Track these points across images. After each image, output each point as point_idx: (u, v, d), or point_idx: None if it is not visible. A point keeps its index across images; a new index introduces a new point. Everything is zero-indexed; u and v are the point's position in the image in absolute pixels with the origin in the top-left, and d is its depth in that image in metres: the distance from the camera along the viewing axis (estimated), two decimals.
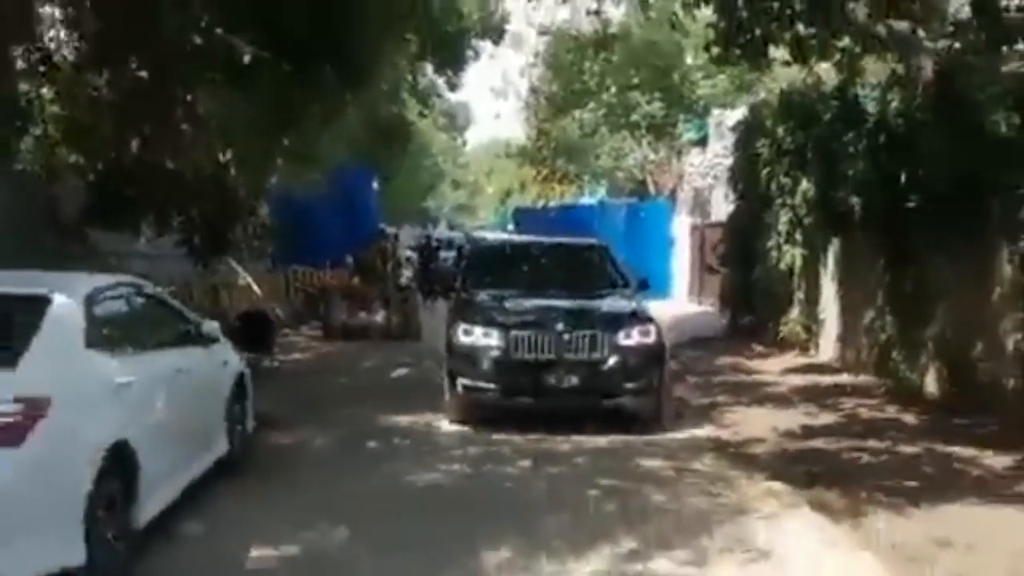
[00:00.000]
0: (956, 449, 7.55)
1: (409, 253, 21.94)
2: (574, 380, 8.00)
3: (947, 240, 8.98)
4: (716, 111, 22.34)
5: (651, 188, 25.40)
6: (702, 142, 24.00)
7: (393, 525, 5.44)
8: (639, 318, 8.55)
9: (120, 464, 4.29)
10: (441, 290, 14.37)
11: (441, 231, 44.06)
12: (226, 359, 6.41)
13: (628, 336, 8.20)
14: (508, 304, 8.85)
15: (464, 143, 62.08)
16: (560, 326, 8.14)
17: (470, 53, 20.63)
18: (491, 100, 70.21)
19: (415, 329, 14.94)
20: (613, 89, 24.73)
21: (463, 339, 8.25)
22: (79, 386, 4.18)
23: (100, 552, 4.06)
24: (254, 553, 4.99)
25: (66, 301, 4.40)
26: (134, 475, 4.45)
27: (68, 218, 10.48)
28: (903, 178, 9.46)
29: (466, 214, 68.63)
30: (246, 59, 7.37)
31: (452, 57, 19.24)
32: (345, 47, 10.63)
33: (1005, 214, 7.93)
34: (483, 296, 9.15)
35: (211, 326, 6.12)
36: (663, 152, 25.83)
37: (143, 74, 7.64)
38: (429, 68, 21.49)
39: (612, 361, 8.07)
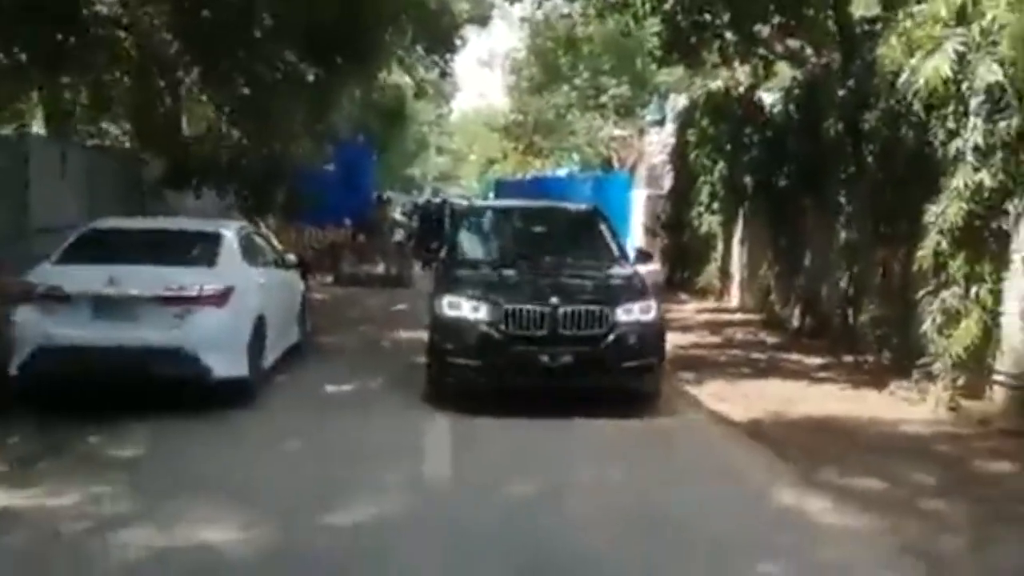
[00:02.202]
0: (791, 355, 11.03)
1: (400, 217, 25.08)
2: (569, 358, 7.32)
3: (803, 212, 12.42)
4: (672, 95, 25.59)
5: (615, 163, 28.68)
6: (661, 122, 27.27)
7: (399, 373, 8.79)
8: (639, 292, 7.98)
9: (260, 326, 7.66)
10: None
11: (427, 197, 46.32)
12: (297, 281, 9.76)
13: (628, 312, 7.58)
14: (497, 274, 8.31)
15: (450, 111, 64.50)
16: (555, 299, 7.46)
17: (459, 42, 23.67)
18: (477, 70, 72.04)
19: (407, 278, 18.21)
20: (585, 74, 27.90)
21: (448, 312, 7.56)
22: (243, 281, 7.54)
23: (252, 371, 7.43)
24: (324, 388, 8.39)
25: (229, 234, 7.76)
26: (264, 334, 7.82)
27: (151, 183, 13.72)
28: (779, 164, 12.90)
29: (450, 182, 71.11)
30: (309, 77, 10.64)
31: (443, 46, 22.28)
32: (359, 46, 13.81)
33: (833, 195, 11.31)
34: (470, 265, 8.63)
35: (290, 258, 9.46)
36: (628, 130, 29.04)
37: (246, 90, 10.90)
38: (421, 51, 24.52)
39: (611, 338, 7.42)
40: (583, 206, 11.41)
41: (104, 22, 11.45)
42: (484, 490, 5.51)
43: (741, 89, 15.25)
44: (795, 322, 12.89)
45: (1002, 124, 7.61)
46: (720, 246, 16.75)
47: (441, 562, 4.46)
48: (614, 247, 9.27)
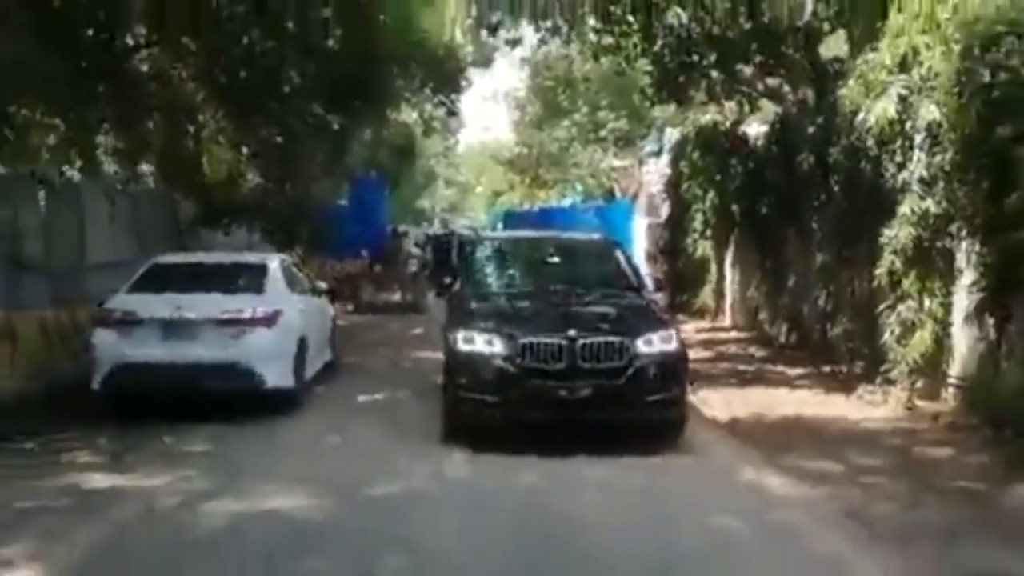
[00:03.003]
0: (775, 367, 12.14)
1: (415, 249, 26.36)
2: (588, 392, 7.10)
3: (784, 237, 13.59)
4: (668, 128, 26.92)
5: (617, 192, 29.95)
6: (659, 153, 28.58)
7: (420, 386, 9.90)
8: (659, 323, 7.82)
9: (302, 344, 8.85)
10: None
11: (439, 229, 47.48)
12: (328, 306, 10.97)
13: (648, 343, 7.34)
14: (512, 307, 8.14)
15: (456, 143, 66.02)
16: (572, 332, 7.22)
17: (464, 83, 25.02)
18: (482, 104, 73.65)
19: (422, 305, 19.39)
20: (584, 109, 29.27)
21: (463, 347, 7.36)
22: (287, 306, 8.74)
23: (296, 382, 8.61)
24: (356, 398, 9.55)
25: (274, 265, 8.99)
26: (305, 352, 9.00)
27: (186, 221, 15.00)
28: (760, 193, 14.09)
29: (458, 213, 72.46)
30: (335, 126, 11.96)
31: (449, 87, 23.63)
32: (374, 92, 15.14)
33: (808, 221, 12.47)
34: (484, 299, 8.44)
35: (321, 286, 10.68)
36: (628, 160, 30.36)
37: (279, 139, 12.23)
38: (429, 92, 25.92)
39: (631, 371, 7.17)
40: (597, 235, 11.25)
41: (143, 78, 12.72)
42: (500, 476, 6.63)
43: (728, 124, 16.53)
44: (781, 338, 14.00)
45: (937, 158, 8.78)
46: (714, 269, 17.92)
47: (458, 523, 5.58)
48: (631, 276, 9.07)
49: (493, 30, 14.84)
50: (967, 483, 6.60)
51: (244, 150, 14.17)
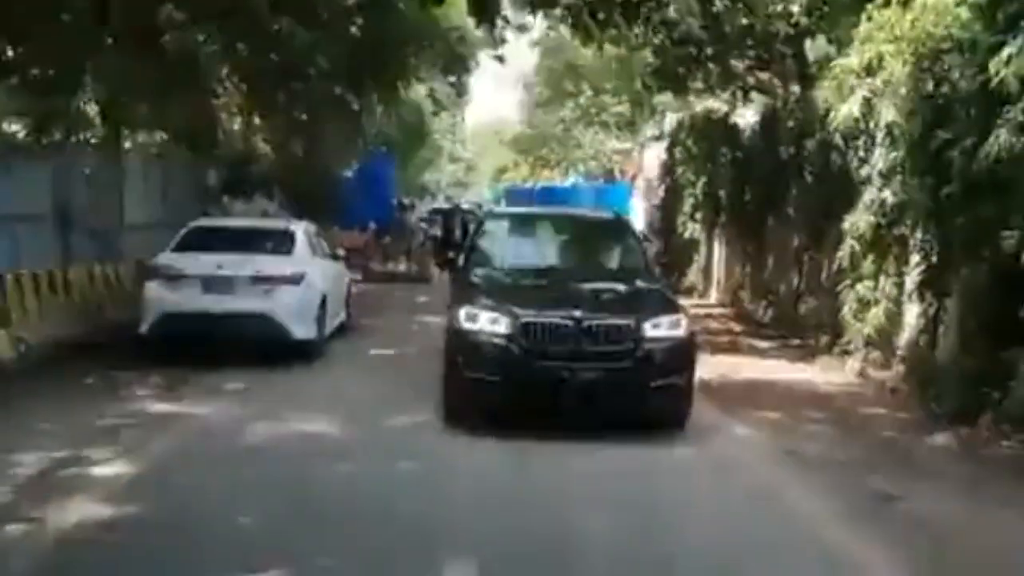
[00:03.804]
0: (751, 340, 13.28)
1: (422, 221, 27.42)
2: (592, 375, 6.93)
3: (765, 221, 14.70)
4: (668, 114, 27.92)
5: (617, 174, 31.02)
6: (659, 138, 29.61)
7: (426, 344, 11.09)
8: (668, 306, 7.63)
9: (323, 302, 10.00)
10: None
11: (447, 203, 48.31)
12: (344, 271, 12.12)
13: (656, 327, 7.16)
14: (517, 285, 8.00)
15: (463, 120, 66.76)
16: (577, 312, 7.07)
17: (473, 63, 26.01)
18: (490, 82, 74.24)
19: (428, 275, 20.54)
20: (589, 92, 30.25)
21: (466, 325, 7.16)
22: (311, 267, 9.89)
23: (318, 335, 9.79)
24: (369, 352, 10.73)
25: (300, 231, 10.12)
26: (326, 309, 10.15)
27: (211, 187, 16.14)
28: (746, 180, 15.20)
29: (463, 188, 73.38)
30: (354, 107, 13.05)
31: (460, 67, 24.64)
32: (388, 77, 16.22)
33: (785, 207, 13.59)
34: (490, 275, 8.22)
35: (339, 252, 11.81)
36: (629, 144, 31.38)
37: (304, 117, 13.32)
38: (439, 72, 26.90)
39: (638, 354, 7.00)
40: (608, 213, 10.89)
41: (178, 56, 13.76)
42: None
43: (721, 114, 17.58)
44: (760, 314, 15.15)
45: (893, 155, 9.87)
46: (703, 250, 19.04)
47: (461, 445, 6.78)
48: (641, 257, 8.91)
49: (503, 19, 15.77)
50: (888, 433, 7.80)
51: (267, 125, 15.23)
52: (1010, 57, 6.47)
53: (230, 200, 16.14)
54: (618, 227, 9.68)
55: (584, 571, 4.61)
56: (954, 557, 4.96)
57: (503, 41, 26.94)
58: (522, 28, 21.71)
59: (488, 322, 7.12)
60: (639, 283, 8.20)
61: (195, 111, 15.80)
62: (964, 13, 8.31)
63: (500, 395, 7.02)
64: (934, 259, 9.22)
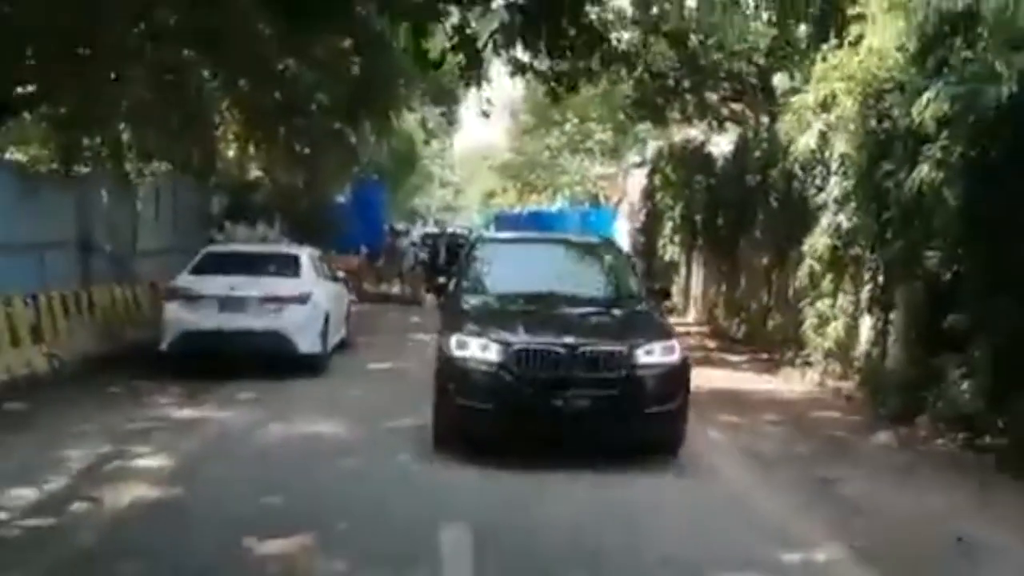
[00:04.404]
0: (723, 355, 14.25)
1: (411, 248, 28.30)
2: (585, 403, 6.87)
3: (737, 244, 15.71)
4: (650, 142, 29.07)
5: (602, 199, 32.11)
6: (641, 164, 30.76)
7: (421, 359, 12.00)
8: (661, 332, 7.53)
9: (327, 320, 10.90)
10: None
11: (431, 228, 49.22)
12: (344, 291, 13.03)
13: (649, 353, 7.09)
14: (508, 311, 7.82)
15: (452, 145, 67.86)
16: (569, 339, 7.02)
17: (461, 95, 27.08)
18: (478, 110, 74.98)
19: (420, 297, 21.43)
20: (574, 120, 31.40)
21: (456, 352, 7.07)
22: (316, 288, 10.81)
23: (322, 350, 10.68)
24: (368, 366, 11.62)
25: (305, 254, 11.05)
26: (328, 326, 11.04)
27: (214, 214, 17.05)
28: (718, 205, 16.22)
29: (452, 213, 74.35)
30: (352, 140, 14.03)
31: (449, 100, 25.72)
32: (380, 107, 17.16)
33: (754, 231, 14.60)
34: (479, 302, 8.10)
35: (340, 274, 12.73)
36: (613, 169, 32.51)
37: (306, 150, 14.31)
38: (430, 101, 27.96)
39: (631, 382, 6.95)
40: (599, 239, 11.02)
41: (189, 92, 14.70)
42: None
43: (697, 143, 18.67)
44: (733, 331, 16.12)
45: (846, 183, 10.88)
46: (682, 271, 20.04)
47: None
48: (632, 283, 8.89)
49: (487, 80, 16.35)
50: (836, 433, 8.73)
51: (266, 155, 16.18)
52: (928, 101, 7.45)
53: (232, 226, 17.04)
54: (609, 252, 9.70)
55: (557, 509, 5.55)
56: (876, 523, 5.88)
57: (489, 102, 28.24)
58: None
59: (479, 349, 7.03)
60: (631, 308, 8.20)
61: (198, 142, 16.77)
62: (901, 58, 9.35)
63: (491, 423, 6.97)
64: (880, 278, 10.24)
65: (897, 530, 5.81)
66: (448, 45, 10.12)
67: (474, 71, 12.45)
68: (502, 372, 6.91)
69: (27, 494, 5.80)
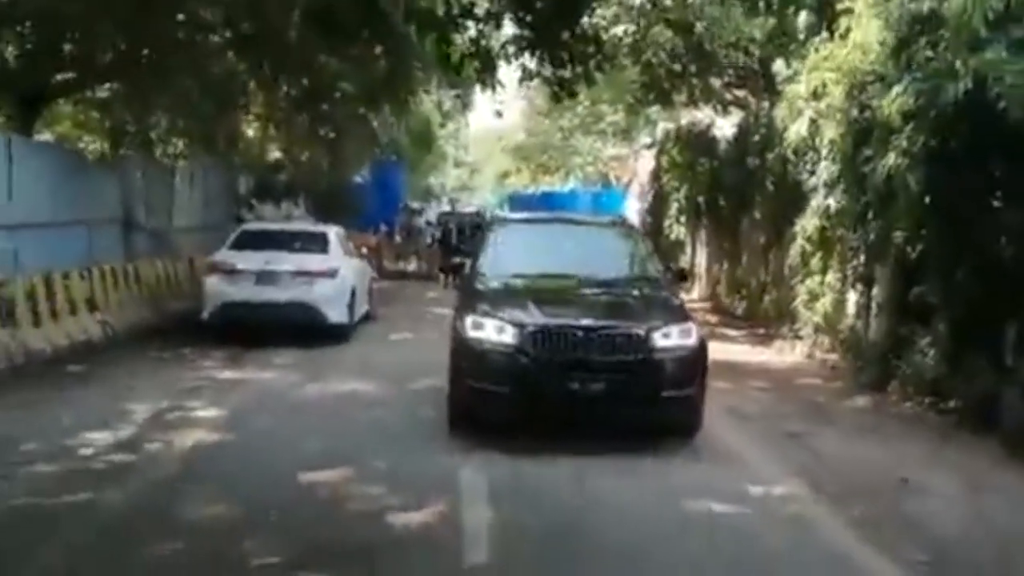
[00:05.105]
0: (723, 330, 15.10)
1: (428, 227, 29.20)
2: (600, 386, 6.84)
3: (738, 224, 16.55)
4: (661, 124, 29.78)
5: (613, 180, 32.89)
6: (652, 146, 31.49)
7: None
8: (678, 315, 7.49)
9: (353, 293, 11.87)
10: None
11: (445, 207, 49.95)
12: (367, 267, 13.99)
13: (666, 336, 7.04)
14: (524, 293, 7.65)
15: (467, 125, 68.42)
16: (586, 321, 7.01)
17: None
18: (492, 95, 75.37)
19: (436, 274, 22.37)
20: (586, 102, 32.10)
21: (471, 333, 7.06)
22: (343, 263, 11.79)
23: (348, 320, 11.66)
24: (390, 335, 12.60)
25: (332, 233, 12.00)
26: (355, 299, 12.01)
27: (242, 194, 18.03)
28: (720, 187, 17.04)
29: (466, 192, 75.08)
30: (374, 124, 14.92)
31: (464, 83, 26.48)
32: (400, 92, 18.03)
33: (752, 212, 15.42)
34: (496, 283, 7.95)
35: (363, 251, 13.68)
36: (625, 151, 33.26)
37: (332, 135, 15.24)
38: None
39: (647, 365, 6.92)
40: (616, 219, 11.05)
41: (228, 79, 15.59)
42: None
43: (702, 126, 19.44)
44: (733, 307, 16.98)
45: (834, 168, 11.69)
46: (688, 250, 20.88)
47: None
48: (650, 265, 8.77)
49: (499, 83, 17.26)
50: (817, 398, 9.63)
51: (290, 137, 17.12)
52: (896, 95, 8.26)
53: (260, 205, 18.01)
54: (627, 233, 9.66)
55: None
56: (834, 467, 6.81)
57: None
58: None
59: (495, 331, 6.98)
60: (648, 291, 8.10)
61: (223, 123, 17.72)
62: (881, 52, 10.13)
63: (507, 406, 6.95)
64: (862, 256, 11.08)
65: (852, 474, 6.72)
66: (466, 52, 11.14)
67: (488, 75, 13.57)
68: (518, 354, 6.87)
69: (104, 437, 6.80)
